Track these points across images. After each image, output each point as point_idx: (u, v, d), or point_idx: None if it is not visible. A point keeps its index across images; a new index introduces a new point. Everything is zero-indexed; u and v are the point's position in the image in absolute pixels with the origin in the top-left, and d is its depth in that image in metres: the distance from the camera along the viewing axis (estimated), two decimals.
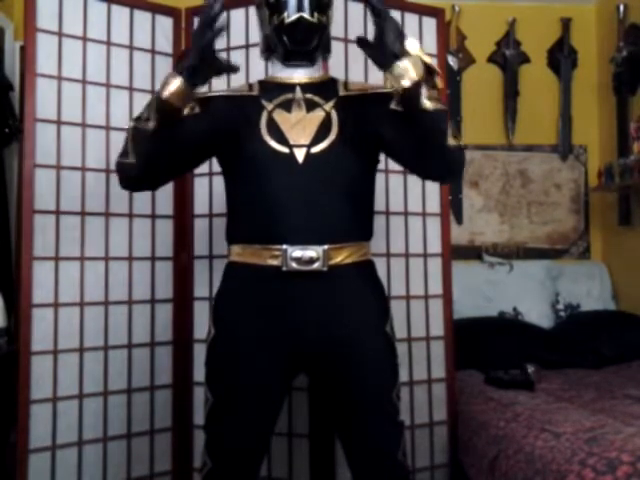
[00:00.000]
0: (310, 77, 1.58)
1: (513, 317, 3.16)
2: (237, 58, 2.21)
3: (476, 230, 3.48)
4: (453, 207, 3.34)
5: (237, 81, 2.04)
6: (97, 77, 2.15)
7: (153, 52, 2.26)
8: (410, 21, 2.31)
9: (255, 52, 1.81)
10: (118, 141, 2.11)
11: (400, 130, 1.45)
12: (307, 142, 1.48)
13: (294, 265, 1.43)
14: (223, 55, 2.22)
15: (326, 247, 1.44)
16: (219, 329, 1.51)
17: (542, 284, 3.24)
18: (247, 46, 2.21)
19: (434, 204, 2.32)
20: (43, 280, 2.02)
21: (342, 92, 1.57)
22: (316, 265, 1.43)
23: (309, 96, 1.54)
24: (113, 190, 2.11)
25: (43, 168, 2.04)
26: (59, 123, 2.07)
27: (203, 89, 1.52)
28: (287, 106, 1.53)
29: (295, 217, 1.45)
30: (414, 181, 2.23)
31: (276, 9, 1.51)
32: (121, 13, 2.20)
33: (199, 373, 2.00)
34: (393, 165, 2.00)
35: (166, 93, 1.40)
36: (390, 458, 1.48)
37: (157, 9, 2.28)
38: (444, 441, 2.27)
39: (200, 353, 1.93)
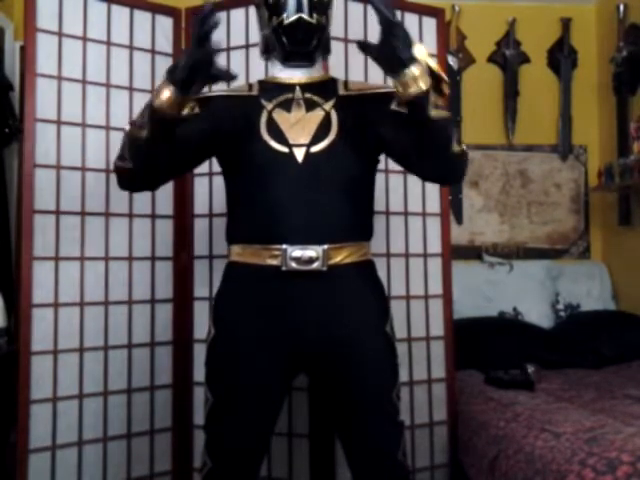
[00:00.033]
0: (310, 77, 1.58)
1: (513, 317, 3.16)
2: (237, 58, 2.22)
3: (476, 230, 3.48)
4: (453, 207, 3.34)
5: (237, 81, 2.05)
6: (97, 77, 2.15)
7: (153, 52, 2.26)
8: (410, 21, 2.30)
9: (255, 52, 1.81)
10: (118, 141, 2.11)
11: (401, 131, 1.45)
12: (307, 142, 1.48)
13: (294, 265, 1.43)
14: (222, 60, 2.24)
15: (326, 247, 1.44)
16: (219, 329, 1.51)
17: (542, 284, 3.24)
18: (247, 46, 2.21)
19: (434, 204, 2.32)
20: (43, 280, 2.02)
21: (342, 92, 1.57)
22: (316, 265, 1.43)
23: (309, 96, 1.54)
24: (113, 190, 2.11)
25: (43, 168, 2.04)
26: (59, 123, 2.07)
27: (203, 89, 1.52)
28: (287, 106, 1.53)
29: (295, 217, 1.45)
30: (414, 181, 2.23)
31: (275, 10, 1.51)
32: (121, 13, 2.20)
33: (199, 373, 2.00)
34: (393, 165, 2.00)
35: (158, 102, 1.34)
36: (390, 458, 1.48)
37: (157, 9, 2.28)
38: (444, 441, 2.27)
39: (200, 353, 1.93)
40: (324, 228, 1.46)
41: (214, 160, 1.66)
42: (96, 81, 2.14)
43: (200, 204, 2.26)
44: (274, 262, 1.45)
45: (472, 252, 3.43)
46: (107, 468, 2.10)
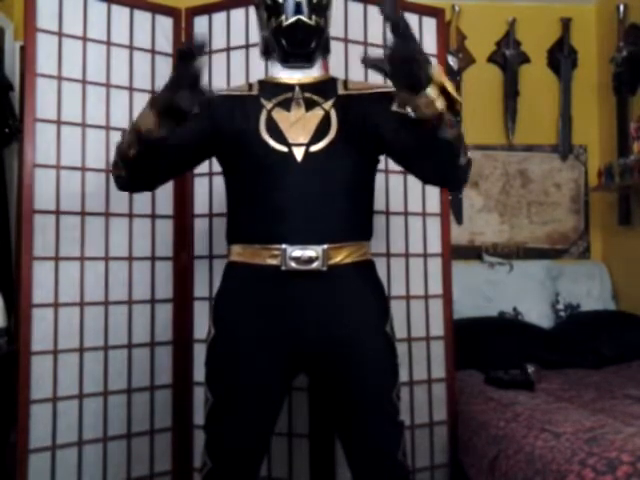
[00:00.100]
0: (309, 77, 1.58)
1: (513, 317, 3.16)
2: (237, 58, 2.22)
3: (476, 230, 3.48)
4: (453, 207, 3.33)
5: (237, 81, 2.05)
6: (97, 77, 2.15)
7: (153, 52, 2.26)
8: (410, 21, 2.28)
9: (255, 52, 1.81)
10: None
11: (401, 132, 1.45)
12: (306, 141, 1.48)
13: (293, 265, 1.43)
14: (222, 60, 2.24)
15: (325, 247, 1.44)
16: (219, 329, 1.51)
17: (542, 284, 3.24)
18: (247, 46, 2.21)
19: (434, 204, 2.32)
20: (43, 280, 2.02)
21: (341, 91, 1.57)
22: (315, 265, 1.43)
23: (308, 95, 1.54)
24: (113, 190, 2.09)
25: (43, 168, 2.04)
26: (59, 123, 2.07)
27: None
28: (286, 105, 1.53)
29: (294, 216, 1.45)
30: (414, 181, 2.21)
31: (274, 11, 1.51)
32: (121, 13, 2.20)
33: (199, 373, 2.00)
34: (393, 165, 2.00)
35: (143, 127, 1.35)
36: (390, 458, 1.48)
37: (157, 9, 2.28)
38: (444, 441, 2.27)
39: (200, 353, 1.93)
40: (324, 228, 1.46)
41: (214, 160, 1.66)
42: (96, 81, 2.14)
43: (200, 204, 2.26)
44: (274, 262, 1.45)
45: (472, 252, 3.43)
46: (107, 468, 2.10)
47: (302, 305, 1.45)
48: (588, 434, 1.69)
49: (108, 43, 2.17)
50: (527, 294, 3.20)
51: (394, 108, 1.47)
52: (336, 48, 1.93)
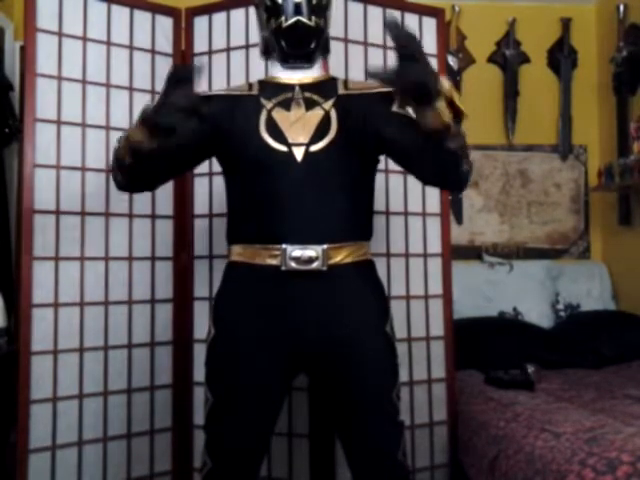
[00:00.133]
0: (309, 77, 1.58)
1: (513, 317, 3.16)
2: (237, 58, 2.22)
3: (476, 230, 3.48)
4: (453, 207, 3.34)
5: (237, 81, 2.05)
6: (97, 77, 2.15)
7: (153, 52, 2.26)
8: (410, 21, 2.30)
9: (255, 52, 1.81)
10: None
11: (402, 132, 1.45)
12: (306, 141, 1.48)
13: (293, 265, 1.43)
14: (222, 60, 2.24)
15: (325, 246, 1.44)
16: (219, 329, 1.51)
17: (542, 284, 3.24)
18: (247, 46, 2.21)
19: (434, 204, 2.32)
20: (43, 280, 2.02)
21: (342, 91, 1.57)
22: (315, 264, 1.43)
23: (308, 95, 1.54)
24: (113, 190, 2.08)
25: (43, 168, 2.04)
26: (59, 123, 2.07)
27: (203, 88, 1.52)
28: (286, 105, 1.53)
29: (294, 216, 1.45)
30: (414, 181, 2.20)
31: (274, 12, 1.51)
32: (121, 13, 2.20)
33: (199, 373, 2.00)
34: (393, 165, 2.00)
35: (133, 139, 1.39)
36: (390, 458, 1.48)
37: (157, 9, 2.28)
38: (444, 441, 2.27)
39: (200, 353, 1.93)
40: (324, 228, 1.46)
41: (214, 160, 1.66)
42: (96, 81, 2.14)
43: (200, 204, 2.26)
44: (274, 262, 1.45)
45: (472, 252, 3.43)
46: (107, 468, 2.10)
47: (302, 305, 1.45)
48: (588, 434, 1.69)
49: (108, 43, 2.17)
50: (527, 294, 3.20)
51: (394, 109, 1.47)
52: (336, 48, 1.93)
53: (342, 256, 1.47)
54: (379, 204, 2.14)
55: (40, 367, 2.00)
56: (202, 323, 2.07)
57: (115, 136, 2.10)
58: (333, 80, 1.62)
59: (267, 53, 1.61)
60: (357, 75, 2.14)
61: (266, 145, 1.48)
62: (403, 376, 2.03)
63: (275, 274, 1.45)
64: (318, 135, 1.48)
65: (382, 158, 1.62)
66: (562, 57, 3.53)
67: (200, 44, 2.27)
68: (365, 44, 2.25)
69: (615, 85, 3.33)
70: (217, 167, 1.68)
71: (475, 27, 3.46)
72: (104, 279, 2.13)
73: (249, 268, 1.49)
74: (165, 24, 2.28)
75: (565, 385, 2.42)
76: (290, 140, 1.48)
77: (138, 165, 1.45)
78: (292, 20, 1.49)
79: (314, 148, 1.48)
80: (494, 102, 3.51)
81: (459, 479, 2.20)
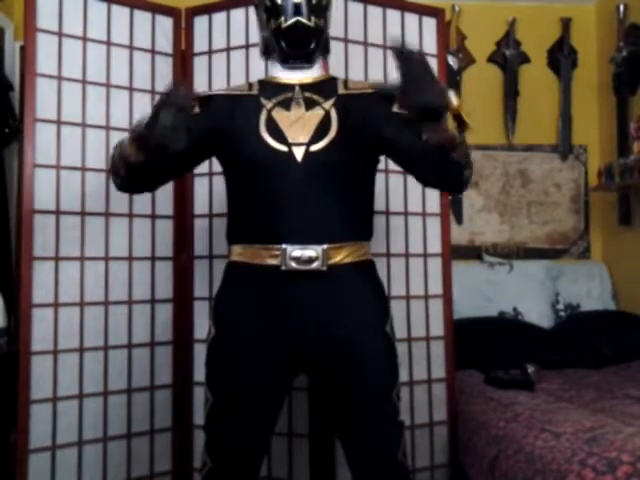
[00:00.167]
0: (309, 77, 1.58)
1: (513, 317, 3.16)
2: (237, 58, 2.22)
3: (476, 230, 3.48)
4: (453, 207, 3.34)
5: (237, 81, 2.05)
6: (97, 77, 2.15)
7: (153, 52, 2.26)
8: (410, 21, 2.31)
9: (255, 52, 1.81)
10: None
11: (402, 134, 1.45)
12: (306, 140, 1.48)
13: (293, 265, 1.43)
14: (222, 60, 2.24)
15: (325, 246, 1.44)
16: (219, 329, 1.51)
17: (542, 284, 3.24)
18: (247, 46, 2.21)
19: (434, 204, 2.32)
20: (43, 280, 2.02)
21: (342, 91, 1.57)
22: (315, 265, 1.43)
23: (308, 95, 1.54)
24: (113, 190, 2.07)
25: (43, 168, 2.04)
26: (59, 123, 2.07)
27: (202, 89, 1.52)
28: (286, 104, 1.53)
29: (294, 216, 1.45)
30: (414, 181, 2.21)
31: (273, 13, 1.51)
32: (121, 13, 2.20)
33: (199, 373, 2.00)
34: (393, 165, 2.00)
35: (124, 152, 1.42)
36: (390, 458, 1.47)
37: (157, 9, 2.28)
38: (444, 441, 2.27)
39: (200, 353, 1.93)
40: (324, 228, 1.46)
41: (214, 160, 1.66)
42: (96, 81, 2.14)
43: (200, 204, 2.26)
44: (274, 262, 1.45)
45: (472, 252, 3.43)
46: (107, 468, 2.10)
47: (302, 305, 1.45)
48: (588, 434, 1.69)
49: (108, 43, 2.17)
50: (527, 294, 3.20)
51: (395, 109, 1.47)
52: (336, 48, 1.93)
53: (342, 256, 1.47)
54: (379, 204, 2.14)
55: (40, 367, 2.00)
56: (202, 323, 2.07)
57: (115, 136, 2.12)
58: (333, 80, 1.62)
59: (267, 53, 1.61)
60: (357, 75, 2.15)
61: (266, 145, 1.48)
62: (403, 376, 2.03)
63: (275, 274, 1.45)
64: (318, 135, 1.48)
65: (382, 158, 1.62)
66: (562, 57, 3.53)
67: (200, 44, 2.27)
68: (365, 44, 2.25)
69: (615, 85, 3.33)
70: (217, 167, 1.68)
71: (475, 27, 3.46)
72: (104, 279, 2.13)
73: (249, 268, 1.49)
74: (165, 24, 2.28)
75: (565, 385, 2.42)
76: (290, 140, 1.48)
77: (134, 175, 1.48)
78: (292, 21, 1.48)
79: (314, 148, 1.47)
80: (494, 102, 3.51)
81: (459, 479, 2.20)
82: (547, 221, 3.53)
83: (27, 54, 2.04)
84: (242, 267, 1.51)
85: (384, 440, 1.48)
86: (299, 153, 1.47)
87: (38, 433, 1.98)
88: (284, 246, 1.43)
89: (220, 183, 1.80)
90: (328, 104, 1.53)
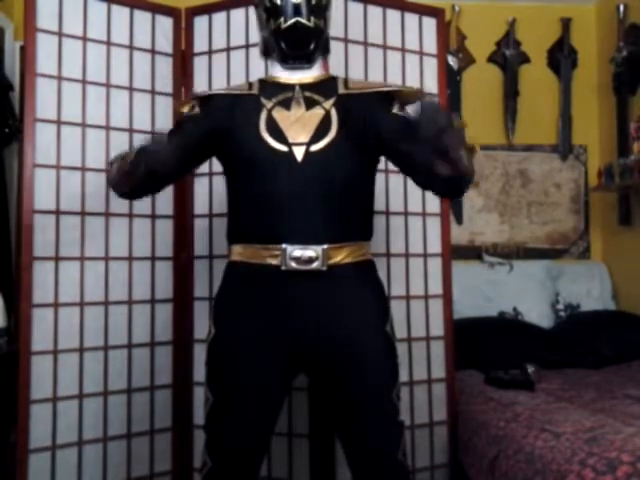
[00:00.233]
0: (309, 77, 1.58)
1: (513, 317, 3.16)
2: (237, 58, 2.22)
3: (476, 230, 3.48)
4: (453, 207, 3.33)
5: (237, 81, 2.05)
6: (97, 77, 2.15)
7: (153, 52, 2.26)
8: (410, 21, 2.31)
9: (255, 52, 1.81)
10: (118, 141, 2.13)
11: (402, 137, 1.46)
12: (306, 140, 1.48)
13: (293, 264, 1.43)
14: (222, 60, 2.24)
15: (325, 246, 1.44)
16: (219, 329, 1.51)
17: (542, 284, 3.24)
18: (247, 46, 2.21)
19: (434, 204, 2.32)
20: (43, 280, 2.02)
21: (342, 90, 1.57)
22: (315, 264, 1.43)
23: (308, 94, 1.54)
24: None
25: (43, 168, 2.04)
26: (59, 123, 2.07)
27: (202, 88, 1.52)
28: (286, 104, 1.53)
29: (294, 216, 1.45)
30: None
31: (273, 13, 1.51)
32: (121, 13, 2.20)
33: (199, 373, 2.01)
34: (393, 165, 2.00)
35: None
36: (390, 458, 1.47)
37: (157, 9, 2.27)
38: (444, 441, 2.27)
39: (200, 353, 1.93)
40: (324, 228, 1.46)
41: (214, 160, 1.66)
42: (96, 81, 2.14)
43: (200, 204, 2.26)
44: (274, 262, 1.45)
45: (472, 252, 3.43)
46: (107, 468, 2.10)
47: (302, 305, 1.45)
48: (588, 434, 1.69)
49: (108, 43, 2.17)
50: (527, 294, 3.20)
51: (395, 110, 1.47)
52: (336, 48, 1.93)
53: (342, 256, 1.47)
54: (379, 204, 2.14)
55: (40, 367, 2.00)
56: (202, 323, 2.07)
57: (115, 136, 2.14)
58: (333, 79, 1.62)
59: (267, 53, 1.61)
60: (357, 75, 2.15)
61: (266, 145, 1.48)
62: (403, 376, 2.02)
63: (275, 274, 1.45)
64: (318, 135, 1.48)
65: (382, 158, 1.62)
66: (562, 57, 3.53)
67: (200, 44, 2.27)
68: (365, 44, 2.25)
69: (615, 85, 3.33)
70: (217, 167, 1.68)
71: (475, 27, 3.46)
72: (104, 279, 2.13)
73: (249, 268, 1.49)
74: (165, 24, 2.28)
75: (565, 385, 2.42)
76: (290, 140, 1.48)
77: (137, 189, 1.52)
78: (291, 21, 1.48)
79: (314, 148, 1.47)
80: (494, 102, 3.51)
81: (459, 479, 2.20)
82: (547, 221, 3.53)
83: (27, 54, 2.04)
84: (242, 267, 1.51)
85: (384, 440, 1.48)
86: (299, 153, 1.47)
87: (38, 433, 1.98)
88: (284, 246, 1.43)
89: (220, 183, 1.80)
90: (328, 104, 1.53)
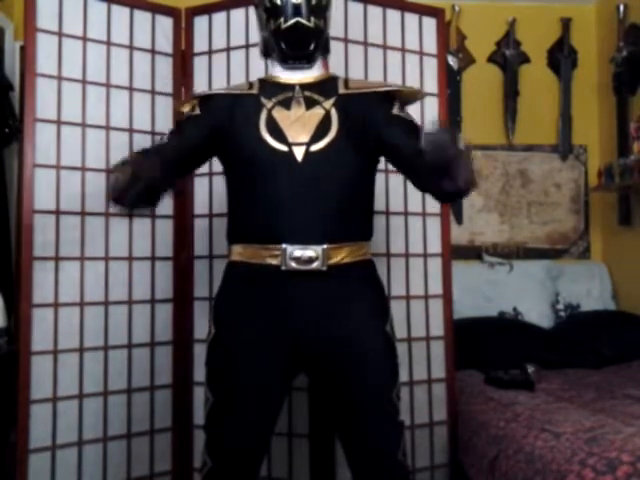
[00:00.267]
0: (309, 76, 1.58)
1: (513, 317, 3.16)
2: (237, 58, 2.22)
3: (476, 230, 3.48)
4: (453, 207, 3.33)
5: (237, 81, 2.05)
6: (97, 77, 2.15)
7: (153, 52, 2.26)
8: (410, 21, 2.31)
9: (255, 52, 1.81)
10: (118, 141, 2.13)
11: (402, 139, 1.46)
12: (306, 140, 1.48)
13: (293, 264, 1.43)
14: (222, 60, 2.24)
15: (325, 246, 1.44)
16: (219, 329, 1.51)
17: (542, 284, 3.24)
18: (247, 46, 2.21)
19: (434, 204, 2.31)
20: (43, 280, 2.02)
21: (342, 90, 1.56)
22: (315, 264, 1.43)
23: (308, 94, 1.54)
24: None
25: (43, 168, 2.04)
26: (59, 123, 2.07)
27: (202, 89, 1.52)
28: (286, 104, 1.53)
29: (294, 216, 1.45)
30: None
31: (273, 13, 1.51)
32: (121, 13, 2.20)
33: (199, 373, 2.01)
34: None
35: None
36: (390, 458, 1.47)
37: (157, 9, 2.28)
38: (444, 441, 2.27)
39: (200, 353, 1.93)
40: (324, 228, 1.45)
41: (214, 160, 1.66)
42: (96, 81, 2.14)
43: (200, 204, 2.26)
44: (274, 262, 1.45)
45: (472, 252, 3.43)
46: (107, 468, 2.10)
47: (302, 305, 1.45)
48: (588, 434, 1.69)
49: (108, 43, 2.17)
50: (527, 294, 3.20)
51: (395, 111, 1.47)
52: (336, 48, 1.93)
53: (342, 256, 1.47)
54: (379, 204, 2.14)
55: (40, 367, 2.00)
56: (202, 323, 2.07)
57: (115, 136, 2.14)
58: (334, 79, 1.61)
59: (267, 54, 1.61)
60: (357, 75, 2.14)
61: (266, 145, 1.48)
62: (403, 376, 2.02)
63: (275, 274, 1.45)
64: (319, 134, 1.48)
65: (382, 158, 1.62)
66: (562, 57, 3.53)
67: (200, 44, 2.27)
68: (365, 44, 2.25)
69: (615, 85, 3.33)
70: (217, 167, 1.68)
71: (475, 27, 3.46)
72: (104, 279, 2.13)
73: (249, 268, 1.49)
74: (165, 24, 2.28)
75: (565, 385, 2.42)
76: (290, 139, 1.48)
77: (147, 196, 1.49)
78: (291, 21, 1.48)
79: (314, 148, 1.47)
80: (494, 102, 3.51)
81: (459, 479, 2.20)
82: (547, 221, 3.53)
83: (27, 54, 2.04)
84: (242, 267, 1.51)
85: (384, 440, 1.48)
86: (299, 153, 1.47)
87: (38, 433, 1.98)
88: (284, 246, 1.43)
89: (220, 183, 1.79)
90: (328, 103, 1.53)
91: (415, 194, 2.28)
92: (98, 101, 2.14)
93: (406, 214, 2.28)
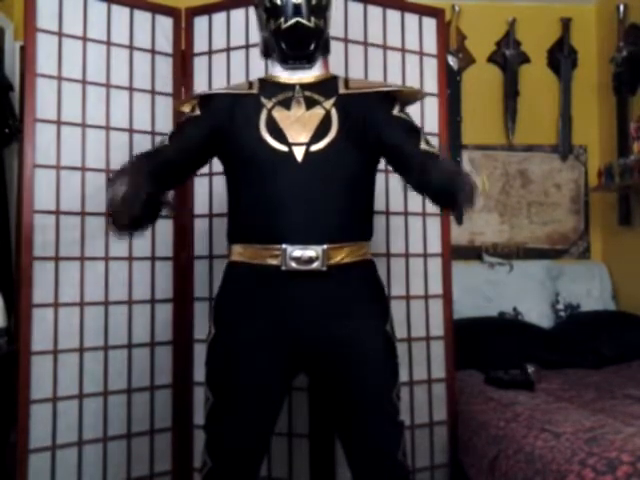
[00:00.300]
0: (310, 76, 1.58)
1: (513, 317, 3.16)
2: (237, 58, 2.22)
3: (476, 230, 3.48)
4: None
5: (237, 81, 2.05)
6: (97, 77, 2.15)
7: (153, 52, 2.26)
8: (410, 21, 2.31)
9: (255, 52, 1.81)
10: (118, 141, 2.13)
11: (402, 140, 1.46)
12: (306, 140, 1.48)
13: (293, 265, 1.43)
14: (222, 60, 2.24)
15: (325, 247, 1.44)
16: (219, 329, 1.51)
17: (542, 284, 3.24)
18: (247, 46, 2.21)
19: None
20: (43, 280, 2.02)
21: (342, 90, 1.56)
22: (315, 265, 1.43)
23: (309, 94, 1.54)
24: None
25: (43, 168, 2.04)
26: (59, 123, 2.07)
27: (202, 89, 1.52)
28: (286, 104, 1.53)
29: (294, 216, 1.45)
30: None
31: (273, 13, 1.51)
32: (121, 13, 2.20)
33: (199, 373, 2.01)
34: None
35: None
36: (390, 458, 1.47)
37: (157, 9, 2.27)
38: (444, 441, 2.27)
39: (200, 353, 1.93)
40: (324, 228, 1.45)
41: (214, 160, 1.66)
42: (96, 81, 2.14)
43: (200, 204, 2.26)
44: (274, 262, 1.45)
45: (472, 252, 3.43)
46: (107, 468, 2.10)
47: (302, 305, 1.45)
48: (588, 434, 1.69)
49: (108, 43, 2.17)
50: (527, 294, 3.20)
51: (395, 112, 1.47)
52: (336, 48, 1.93)
53: (342, 256, 1.47)
54: (379, 204, 2.14)
55: (40, 367, 2.00)
56: (202, 323, 2.07)
57: (115, 136, 2.14)
58: (334, 79, 1.61)
59: (267, 54, 1.61)
60: (357, 75, 2.14)
61: (266, 145, 1.48)
62: (403, 376, 2.02)
63: (275, 274, 1.44)
64: (319, 134, 1.48)
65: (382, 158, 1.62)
66: (562, 57, 3.53)
67: (200, 44, 2.27)
68: (365, 44, 2.25)
69: (615, 85, 3.33)
70: (217, 167, 1.68)
71: (475, 27, 3.46)
72: (104, 279, 2.13)
73: (249, 268, 1.49)
74: (165, 24, 2.28)
75: (565, 385, 2.42)
76: (290, 140, 1.48)
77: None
78: (291, 21, 1.48)
79: (314, 148, 1.47)
80: (494, 102, 3.51)
81: (459, 479, 2.20)
82: (547, 221, 3.53)
83: (27, 54, 2.04)
84: (242, 267, 1.51)
85: (384, 440, 1.48)
86: (299, 153, 1.47)
87: (38, 433, 1.98)
88: (284, 246, 1.43)
89: (220, 183, 1.79)
90: (329, 103, 1.53)
91: (415, 194, 2.29)
92: (98, 101, 2.14)
93: (406, 214, 2.28)
